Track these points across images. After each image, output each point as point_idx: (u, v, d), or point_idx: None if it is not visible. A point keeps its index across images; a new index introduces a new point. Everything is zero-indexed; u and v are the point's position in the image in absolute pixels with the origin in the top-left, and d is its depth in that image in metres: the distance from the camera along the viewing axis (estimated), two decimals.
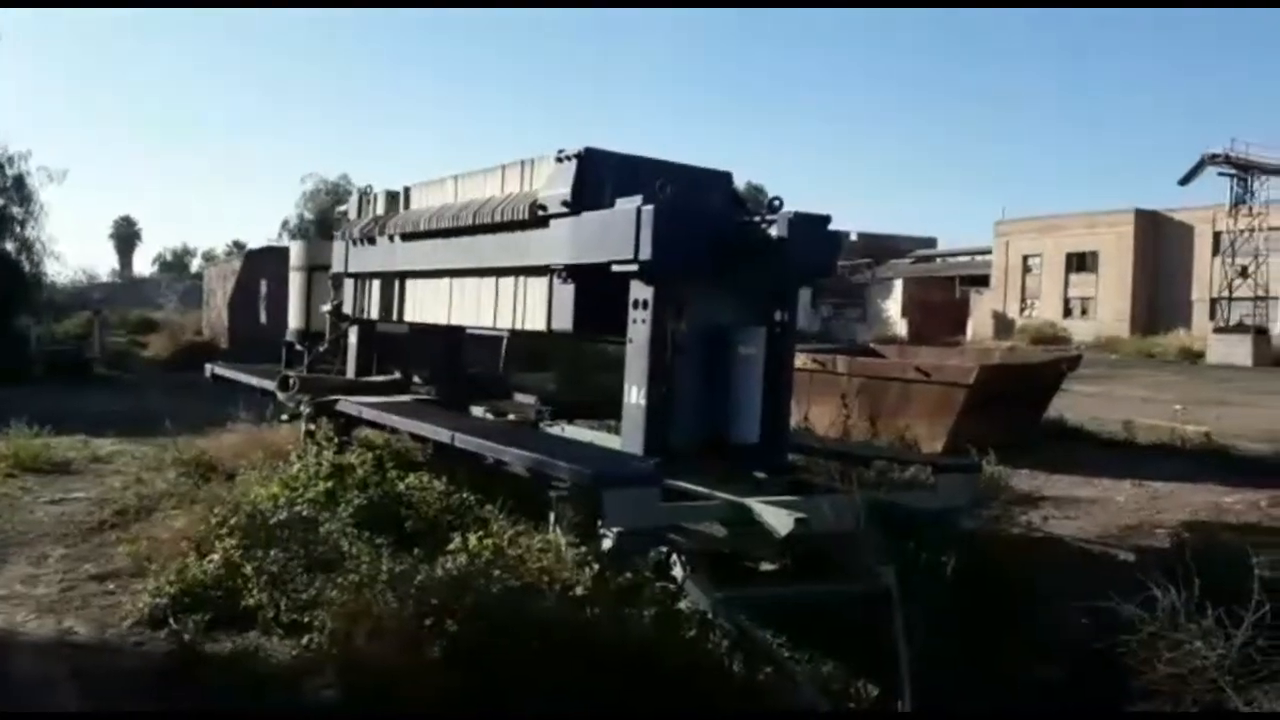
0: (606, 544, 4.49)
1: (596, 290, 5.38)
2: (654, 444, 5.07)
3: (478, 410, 7.46)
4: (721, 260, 5.10)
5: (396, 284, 7.90)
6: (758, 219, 5.27)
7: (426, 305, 7.49)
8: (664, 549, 4.54)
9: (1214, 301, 43.66)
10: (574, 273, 5.49)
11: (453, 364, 8.33)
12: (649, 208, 4.84)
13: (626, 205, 5.00)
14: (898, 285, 59.40)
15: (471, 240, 6.54)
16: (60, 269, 30.87)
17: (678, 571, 4.45)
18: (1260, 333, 37.34)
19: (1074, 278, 53.16)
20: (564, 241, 5.52)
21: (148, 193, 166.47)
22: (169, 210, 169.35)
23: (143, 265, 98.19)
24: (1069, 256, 53.26)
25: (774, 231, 5.10)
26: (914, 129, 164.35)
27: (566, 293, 5.57)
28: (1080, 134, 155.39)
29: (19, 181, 25.36)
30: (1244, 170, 42.40)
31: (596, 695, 3.60)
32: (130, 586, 5.36)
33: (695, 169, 5.93)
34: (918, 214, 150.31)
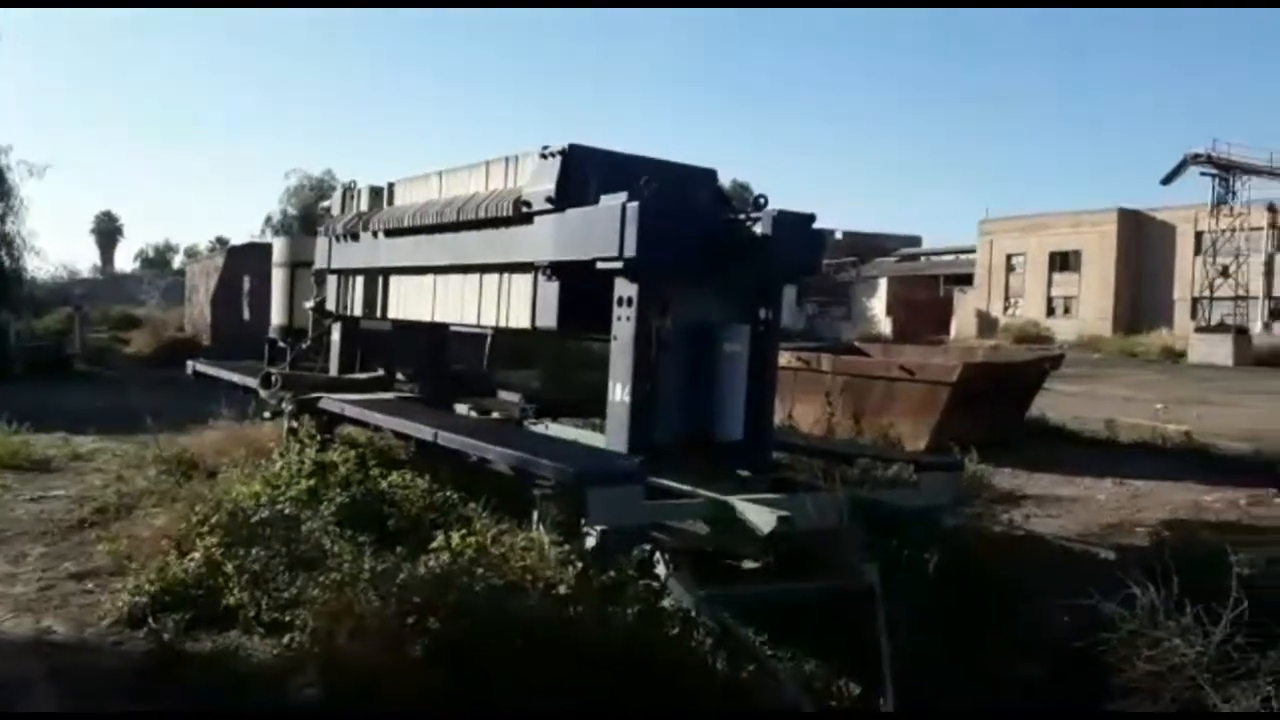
0: (590, 542, 4.48)
1: (581, 287, 5.37)
2: (638, 442, 5.06)
3: (461, 408, 7.44)
4: (706, 258, 5.10)
5: (380, 280, 7.87)
6: (742, 217, 5.27)
7: (410, 302, 7.46)
8: (647, 547, 4.54)
9: (1195, 301, 44.05)
10: (558, 270, 5.47)
11: (436, 361, 8.31)
12: (634, 204, 4.84)
13: (611, 202, 4.99)
14: (882, 284, 59.59)
15: (455, 237, 6.52)
16: (41, 264, 30.50)
17: (661, 569, 4.45)
18: (1241, 332, 37.65)
19: (1057, 277, 53.48)
20: (548, 238, 5.51)
21: (130, 188, 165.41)
22: (151, 206, 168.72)
23: (125, 261, 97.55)
24: (1052, 255, 53.57)
25: (759, 229, 5.10)
26: (900, 129, 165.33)
27: (551, 290, 5.55)
28: (1065, 134, 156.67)
29: None
30: (1225, 170, 42.83)
31: (580, 694, 3.59)
32: (110, 585, 5.32)
33: (680, 166, 5.93)
34: (903, 213, 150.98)
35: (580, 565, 4.42)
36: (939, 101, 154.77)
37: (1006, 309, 54.73)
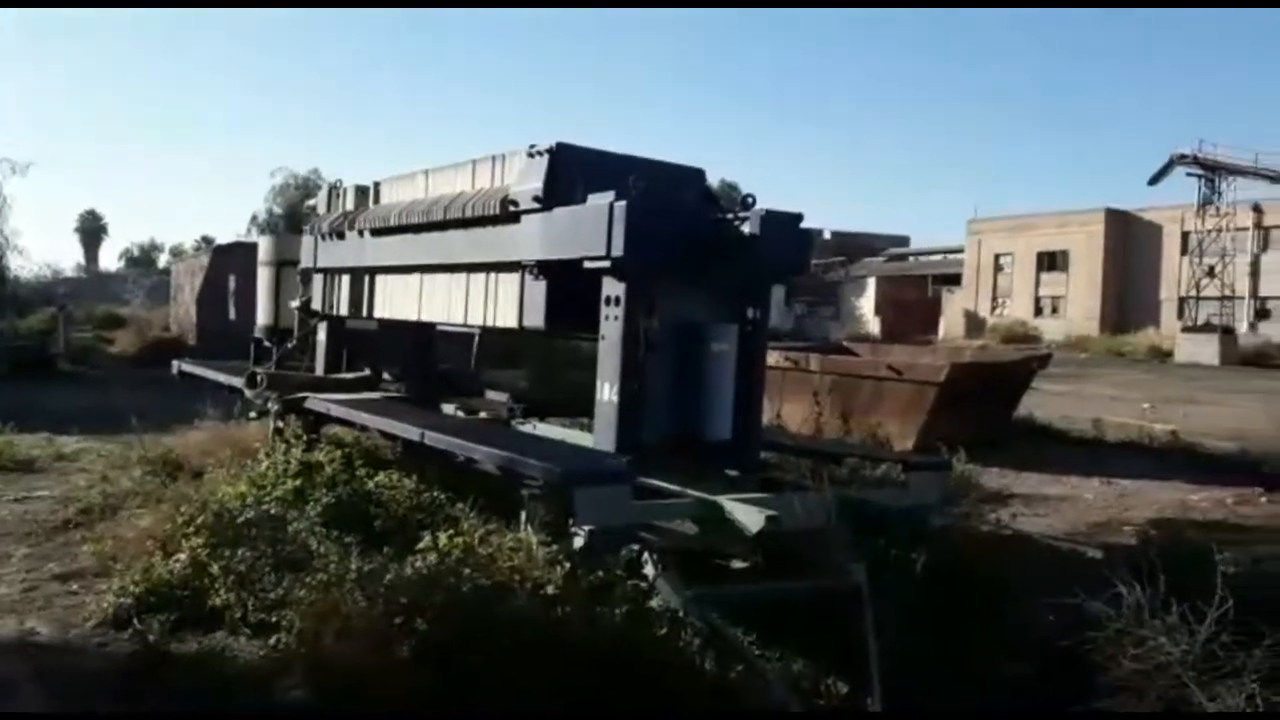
0: (578, 542, 4.46)
1: (568, 287, 5.35)
2: (626, 441, 5.05)
3: (448, 408, 7.42)
4: (694, 257, 5.09)
5: (366, 280, 7.84)
6: (730, 216, 5.26)
7: (397, 301, 7.43)
8: (635, 547, 4.53)
9: (1182, 301, 44.27)
10: (546, 269, 5.46)
11: (423, 361, 8.28)
12: (621, 204, 4.82)
13: (599, 201, 4.98)
14: (871, 284, 59.75)
15: (442, 236, 6.50)
16: (24, 263, 30.43)
17: (649, 569, 4.44)
18: (1227, 332, 37.92)
19: (1045, 277, 53.69)
20: (536, 237, 5.49)
21: (115, 187, 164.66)
22: (136, 205, 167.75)
23: (109, 260, 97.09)
24: (1040, 255, 53.77)
25: (746, 229, 5.10)
26: (888, 129, 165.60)
27: (538, 289, 5.54)
28: (1053, 134, 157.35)
29: None
30: (1212, 171, 43.04)
31: (567, 694, 3.58)
32: (95, 586, 5.28)
33: (668, 165, 5.92)
34: (891, 213, 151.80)
35: (568, 565, 4.41)
36: (927, 102, 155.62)
37: (994, 309, 54.93)
